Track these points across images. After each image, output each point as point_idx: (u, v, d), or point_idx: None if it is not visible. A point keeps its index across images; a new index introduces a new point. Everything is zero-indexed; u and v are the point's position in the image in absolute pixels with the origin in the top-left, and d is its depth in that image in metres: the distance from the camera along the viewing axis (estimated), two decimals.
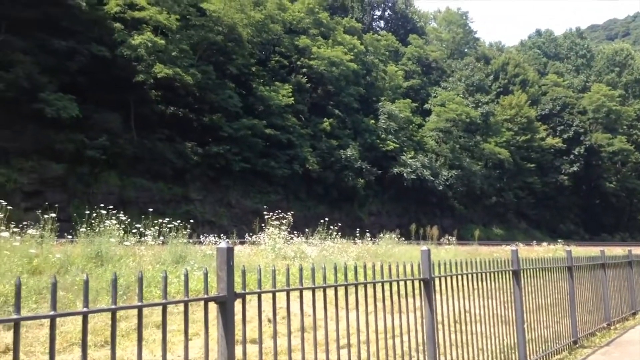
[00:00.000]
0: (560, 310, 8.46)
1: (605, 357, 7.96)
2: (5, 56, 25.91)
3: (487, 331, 6.17)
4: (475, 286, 6.14)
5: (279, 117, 40.00)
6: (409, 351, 4.78)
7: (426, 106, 59.53)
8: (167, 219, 12.29)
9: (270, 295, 3.51)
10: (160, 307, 2.77)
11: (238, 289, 3.15)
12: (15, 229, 9.09)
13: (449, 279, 5.64)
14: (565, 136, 66.56)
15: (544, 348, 7.54)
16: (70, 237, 10.62)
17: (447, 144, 55.31)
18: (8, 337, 5.52)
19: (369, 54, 55.16)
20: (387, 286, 4.70)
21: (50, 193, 25.52)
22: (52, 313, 2.21)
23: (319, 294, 3.96)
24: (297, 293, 3.88)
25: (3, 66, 25.52)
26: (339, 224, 17.70)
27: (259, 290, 3.35)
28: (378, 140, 47.65)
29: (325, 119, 44.67)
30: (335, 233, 16.21)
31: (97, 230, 9.73)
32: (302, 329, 3.64)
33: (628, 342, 9.22)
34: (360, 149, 45.26)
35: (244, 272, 3.26)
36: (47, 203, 13.63)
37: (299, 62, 44.96)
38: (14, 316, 2.09)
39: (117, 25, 30.75)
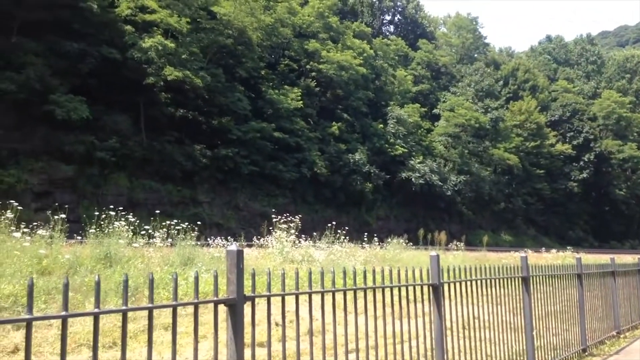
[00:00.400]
0: (570, 318, 8.40)
1: None
2: (17, 58, 26.15)
3: (495, 337, 6.13)
4: (484, 292, 6.11)
5: (288, 120, 40.06)
6: (417, 357, 4.76)
7: (435, 111, 59.43)
8: (175, 221, 12.33)
9: (279, 298, 3.51)
10: (169, 309, 2.77)
11: (247, 291, 3.15)
12: (25, 230, 9.15)
13: (458, 284, 5.62)
14: (575, 142, 66.21)
15: (552, 355, 7.49)
16: (79, 238, 10.68)
17: (455, 149, 55.16)
18: (17, 337, 5.55)
19: (378, 58, 55.17)
20: (395, 291, 4.69)
21: (59, 194, 25.69)
22: (63, 313, 2.22)
23: (328, 298, 3.95)
24: (305, 297, 3.88)
25: (15, 68, 25.76)
26: (347, 228, 17.69)
27: (268, 294, 3.35)
28: (386, 145, 47.60)
29: (333, 122, 44.70)
30: (342, 237, 16.19)
31: (106, 231, 9.77)
32: (311, 333, 3.63)
33: (637, 350, 9.13)
34: (368, 153, 45.23)
35: (253, 275, 3.27)
36: (56, 204, 13.74)
37: (308, 66, 45.03)
38: (26, 316, 2.10)
39: (128, 27, 30.97)
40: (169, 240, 11.45)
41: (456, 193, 51.17)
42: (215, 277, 3.01)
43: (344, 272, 4.12)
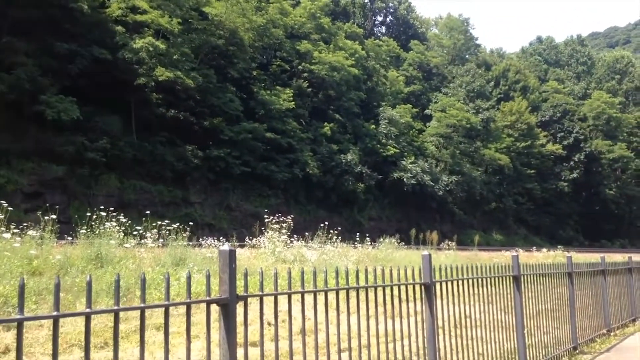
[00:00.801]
0: (561, 316, 8.45)
1: None
2: (7, 58, 25.97)
3: (487, 336, 6.16)
4: (476, 291, 6.14)
5: (280, 121, 40.03)
6: (409, 355, 4.77)
7: (427, 112, 59.62)
8: (167, 222, 12.30)
9: (271, 298, 3.51)
10: (161, 309, 2.77)
11: (240, 291, 3.16)
12: (15, 230, 9.09)
13: (449, 284, 5.64)
14: (565, 143, 66.61)
15: (543, 353, 7.53)
16: (70, 238, 10.62)
17: (447, 149, 55.34)
18: (8, 337, 5.51)
19: (370, 59, 55.24)
20: (388, 290, 4.70)
21: (50, 195, 25.55)
22: (55, 313, 2.21)
23: (320, 298, 3.96)
24: (297, 296, 3.88)
25: (5, 68, 25.58)
26: (339, 228, 17.71)
27: (261, 293, 3.35)
28: (378, 145, 47.69)
29: (325, 123, 44.72)
30: (335, 237, 16.21)
31: (97, 232, 9.72)
32: (304, 332, 3.64)
33: (628, 348, 9.21)
34: (360, 154, 45.29)
35: (245, 275, 3.27)
36: (47, 204, 13.65)
37: (300, 67, 45.02)
38: (18, 316, 2.09)
39: (119, 28, 30.84)
40: (161, 240, 11.42)
41: (448, 193, 51.34)
42: (208, 277, 3.01)
43: (337, 272, 4.13)
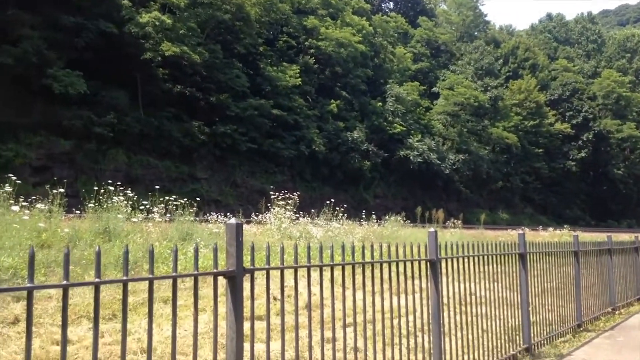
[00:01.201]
0: (566, 294, 8.48)
1: (609, 341, 7.99)
2: (13, 31, 25.85)
3: (491, 313, 6.19)
4: (481, 269, 6.16)
5: (286, 97, 39.88)
6: (414, 330, 4.81)
7: (434, 89, 59.16)
8: (174, 197, 12.34)
9: (277, 273, 3.53)
10: (168, 283, 2.78)
11: (246, 265, 3.17)
12: (24, 203, 9.16)
13: (455, 260, 5.65)
14: (574, 122, 66.07)
15: (548, 331, 7.58)
16: (78, 212, 10.69)
17: (454, 127, 55.04)
18: (17, 308, 5.59)
19: (377, 35, 54.70)
20: (393, 267, 4.71)
21: (58, 169, 25.67)
22: (64, 282, 2.23)
23: (326, 274, 3.98)
24: (303, 272, 3.90)
25: (11, 41, 25.48)
26: (345, 206, 17.73)
27: (267, 267, 3.37)
28: (385, 123, 47.48)
29: (332, 100, 44.50)
30: (340, 214, 16.24)
31: (104, 206, 9.77)
32: (309, 307, 3.66)
33: (632, 326, 9.24)
34: (366, 131, 45.14)
35: (252, 248, 3.28)
36: (55, 178, 13.73)
37: (306, 43, 44.65)
38: (27, 285, 2.11)
39: (125, 2, 30.59)
40: (168, 215, 11.47)
41: (454, 172, 51.22)
42: (215, 250, 3.02)
43: (343, 248, 4.14)
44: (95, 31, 28.62)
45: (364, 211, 19.10)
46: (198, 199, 17.08)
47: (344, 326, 4.05)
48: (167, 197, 12.25)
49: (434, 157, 48.06)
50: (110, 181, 11.47)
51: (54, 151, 26.60)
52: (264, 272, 3.41)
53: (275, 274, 3.33)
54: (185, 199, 12.32)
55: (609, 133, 67.05)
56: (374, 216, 18.18)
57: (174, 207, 11.42)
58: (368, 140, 44.54)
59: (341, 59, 45.50)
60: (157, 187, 14.95)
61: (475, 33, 73.98)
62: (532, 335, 7.01)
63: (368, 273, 4.33)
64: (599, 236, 14.46)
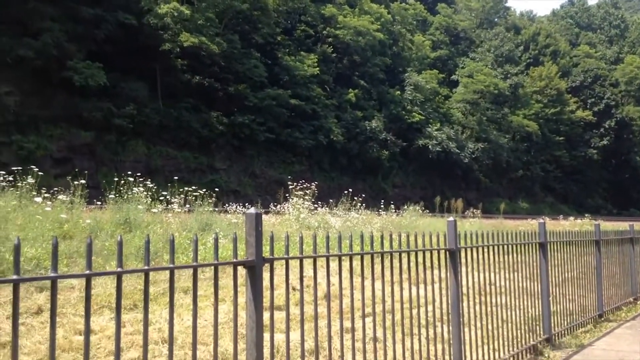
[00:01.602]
0: (587, 284, 8.39)
1: (631, 331, 7.90)
2: (34, 23, 26.13)
3: (511, 303, 6.15)
4: (501, 259, 6.11)
5: (304, 87, 39.83)
6: (433, 321, 4.80)
7: (453, 77, 58.65)
8: (193, 188, 12.42)
9: (297, 264, 3.54)
10: (189, 273, 2.81)
11: (266, 255, 3.19)
12: (46, 195, 9.29)
13: (474, 250, 5.61)
14: (595, 109, 65.08)
15: (568, 321, 7.51)
16: (99, 203, 10.82)
17: (474, 116, 54.54)
18: (40, 298, 5.68)
19: (396, 23, 54.29)
20: (412, 257, 4.70)
21: (78, 160, 25.99)
22: (87, 272, 2.26)
23: (345, 264, 3.97)
24: (322, 262, 3.91)
25: (32, 34, 25.77)
26: (363, 196, 17.69)
27: (286, 256, 3.38)
28: (403, 112, 47.22)
29: (350, 89, 44.35)
30: (358, 204, 16.21)
31: (125, 197, 9.87)
32: (329, 297, 3.67)
33: None
34: (385, 121, 44.94)
35: (272, 238, 3.29)
36: (76, 170, 13.88)
37: (324, 32, 44.49)
38: (51, 274, 2.14)
39: None
40: (187, 206, 11.56)
41: (473, 160, 50.83)
42: (235, 240, 3.04)
43: (362, 237, 4.14)
44: (115, 23, 28.83)
45: (382, 201, 19.06)
46: (217, 189, 17.16)
47: (363, 316, 4.05)
48: (186, 188, 12.33)
49: (453, 146, 47.72)
50: (130, 172, 11.57)
51: (75, 143, 26.92)
52: (283, 261, 3.42)
53: (294, 264, 3.34)
54: (204, 190, 12.39)
55: (631, 120, 65.95)
56: (392, 206, 18.12)
57: (193, 198, 11.49)
58: (386, 130, 44.34)
59: (359, 47, 45.27)
60: (176, 177, 15.06)
61: (495, 19, 73.08)
62: (552, 325, 6.95)
63: (387, 263, 4.32)
64: (621, 225, 14.25)
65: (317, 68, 40.83)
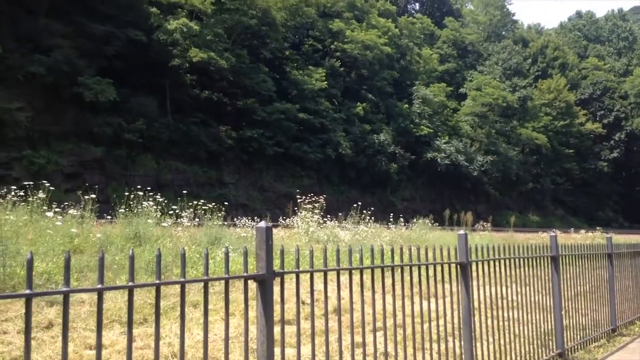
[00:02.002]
0: (599, 298, 8.30)
1: None
2: (45, 40, 26.47)
3: (523, 317, 6.09)
4: (512, 273, 6.06)
5: (312, 101, 39.98)
6: (444, 335, 4.76)
7: (461, 90, 58.64)
8: (202, 202, 12.44)
9: (307, 278, 3.53)
10: (199, 287, 2.81)
11: (276, 269, 3.18)
12: (57, 209, 9.34)
13: (485, 264, 5.58)
14: (605, 121, 64.78)
15: (581, 335, 7.43)
16: (109, 217, 10.86)
17: (482, 128, 54.44)
18: (51, 312, 5.69)
19: (403, 37, 54.51)
20: (423, 270, 4.67)
21: (89, 175, 26.14)
22: (99, 286, 2.27)
23: (355, 278, 3.96)
24: (332, 276, 3.90)
25: (43, 50, 26.09)
26: (372, 209, 17.63)
27: (297, 270, 3.37)
28: (412, 125, 47.23)
29: (358, 103, 44.46)
30: (368, 218, 16.17)
31: (135, 211, 9.90)
32: (339, 310, 3.65)
33: None
34: (393, 134, 44.95)
35: (282, 252, 3.29)
36: (86, 184, 13.97)
37: (332, 46, 44.72)
38: (64, 288, 2.15)
39: (153, 10, 31.10)
40: (196, 220, 11.57)
41: (483, 173, 50.64)
42: (245, 253, 3.04)
43: (372, 250, 4.12)
44: (125, 39, 29.13)
45: (391, 214, 19.02)
46: (226, 203, 17.18)
47: (374, 330, 4.03)
48: (195, 202, 12.35)
49: (462, 159, 47.61)
50: (139, 186, 11.62)
51: (85, 158, 27.09)
52: (293, 275, 3.42)
53: (304, 278, 3.32)
54: (213, 204, 12.40)
55: None
56: (401, 219, 18.06)
57: (203, 212, 11.51)
58: (395, 143, 44.34)
59: (367, 61, 45.44)
60: (185, 191, 15.11)
61: (503, 33, 73.18)
62: (565, 340, 6.88)
63: (397, 277, 4.30)
64: (633, 238, 14.13)
65: (325, 82, 41.00)
